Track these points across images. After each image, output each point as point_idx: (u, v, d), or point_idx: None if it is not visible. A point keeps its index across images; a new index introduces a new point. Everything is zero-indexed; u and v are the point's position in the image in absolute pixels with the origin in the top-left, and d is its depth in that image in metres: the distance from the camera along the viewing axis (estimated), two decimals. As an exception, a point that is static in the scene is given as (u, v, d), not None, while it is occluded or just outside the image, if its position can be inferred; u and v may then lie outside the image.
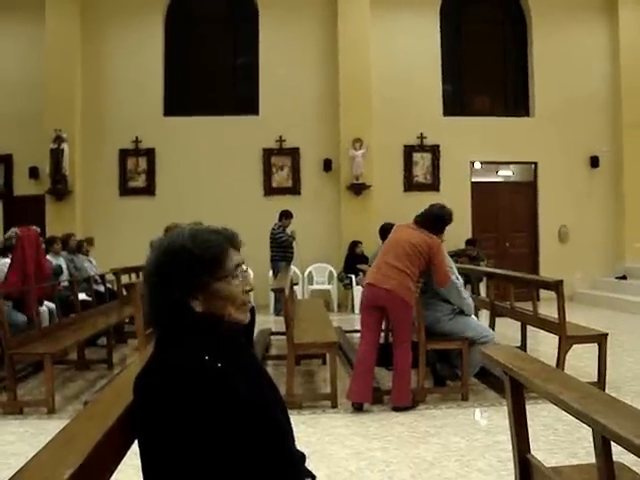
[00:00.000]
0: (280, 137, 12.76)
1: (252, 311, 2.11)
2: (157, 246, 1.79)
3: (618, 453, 1.81)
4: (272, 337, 8.62)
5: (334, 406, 5.39)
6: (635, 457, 1.55)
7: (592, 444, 2.16)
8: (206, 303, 1.76)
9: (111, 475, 1.62)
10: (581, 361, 6.62)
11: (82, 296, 8.23)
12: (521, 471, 2.48)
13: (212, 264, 1.76)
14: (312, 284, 12.39)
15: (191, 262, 1.73)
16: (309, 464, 4.00)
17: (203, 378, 1.60)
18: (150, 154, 12.73)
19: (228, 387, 1.62)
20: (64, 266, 9.14)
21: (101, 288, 9.22)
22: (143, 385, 1.67)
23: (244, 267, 1.88)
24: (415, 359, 5.55)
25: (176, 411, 1.57)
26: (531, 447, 3.61)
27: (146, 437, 1.65)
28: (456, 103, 13.46)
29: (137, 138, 12.67)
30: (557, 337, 5.82)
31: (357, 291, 11.42)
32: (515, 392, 2.38)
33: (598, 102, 13.42)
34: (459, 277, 5.92)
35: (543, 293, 11.28)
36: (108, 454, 1.53)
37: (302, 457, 2.02)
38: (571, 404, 1.79)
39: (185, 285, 1.73)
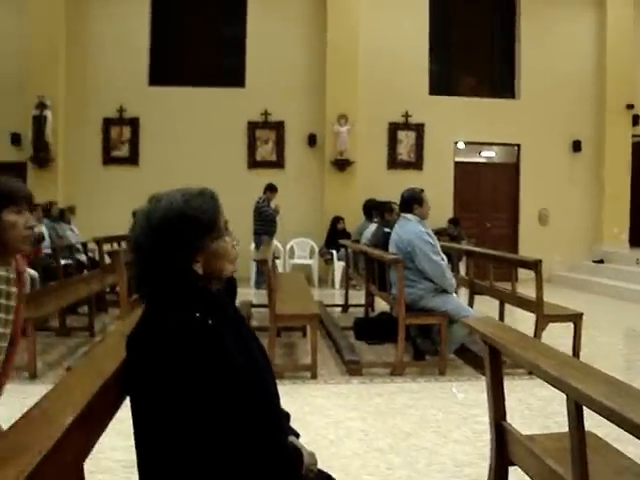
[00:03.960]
0: (265, 110, 12.72)
1: (233, 282, 2.16)
2: (147, 215, 1.80)
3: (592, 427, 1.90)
4: (253, 309, 8.66)
5: (314, 377, 5.47)
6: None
7: (564, 418, 2.25)
8: (206, 263, 1.81)
9: (106, 426, 1.67)
10: (557, 340, 6.72)
11: (64, 261, 8.22)
12: (497, 437, 2.57)
13: (209, 226, 1.82)
14: (294, 258, 12.44)
15: (191, 227, 1.78)
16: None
17: (194, 334, 1.65)
18: (134, 123, 12.64)
19: (218, 343, 1.67)
20: (46, 234, 9.11)
21: (83, 257, 9.22)
22: (135, 343, 1.73)
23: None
24: (395, 333, 5.66)
25: (167, 366, 1.62)
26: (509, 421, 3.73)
27: (138, 394, 1.70)
28: (442, 82, 13.47)
29: (121, 107, 12.56)
30: (534, 316, 5.93)
31: (338, 266, 11.51)
32: (493, 360, 2.46)
33: (583, 86, 13.51)
34: (444, 257, 6.02)
35: (522, 274, 11.42)
36: (105, 405, 1.58)
37: (287, 416, 2.09)
38: (547, 370, 1.86)
39: (188, 250, 1.78)
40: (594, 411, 1.69)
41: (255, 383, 1.75)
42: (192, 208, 1.80)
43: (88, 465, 3.59)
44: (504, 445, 2.55)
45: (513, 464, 2.54)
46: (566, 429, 2.01)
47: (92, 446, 1.53)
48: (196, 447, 1.63)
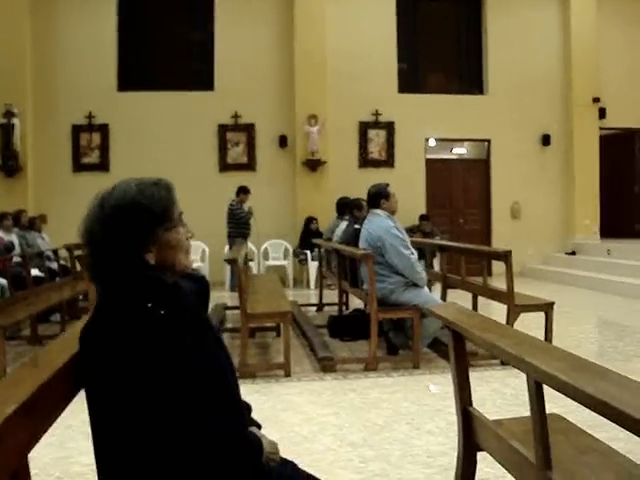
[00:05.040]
0: (235, 113, 12.69)
1: (205, 284, 2.16)
2: (101, 202, 1.79)
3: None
4: (227, 312, 8.64)
5: (287, 375, 5.45)
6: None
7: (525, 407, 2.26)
8: (159, 254, 1.80)
9: (56, 418, 1.65)
10: (530, 330, 6.75)
11: (35, 272, 8.14)
12: (463, 422, 2.57)
13: (162, 216, 1.81)
14: (268, 260, 12.41)
15: (144, 216, 1.76)
16: (261, 429, 4.06)
17: (145, 324, 1.63)
18: (104, 130, 12.54)
19: (171, 334, 1.65)
20: (16, 242, 9.02)
21: (54, 265, 9.13)
22: (88, 334, 1.71)
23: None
24: (366, 329, 5.67)
25: (118, 357, 1.60)
26: (480, 410, 3.73)
27: (91, 387, 1.68)
28: (411, 80, 13.53)
29: (90, 113, 12.46)
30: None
31: (312, 266, 11.50)
32: (458, 345, 2.46)
33: (550, 81, 13.65)
34: (414, 251, 6.03)
35: (495, 269, 11.56)
36: (53, 397, 1.56)
37: (248, 407, 2.07)
38: (506, 349, 1.86)
39: (139, 240, 1.76)
40: (552, 387, 1.69)
41: (211, 372, 1.74)
42: (145, 197, 1.78)
43: (56, 472, 3.56)
44: (471, 431, 2.55)
45: (481, 450, 2.54)
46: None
47: (38, 438, 1.51)
48: (150, 438, 1.61)
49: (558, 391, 1.66)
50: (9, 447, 1.31)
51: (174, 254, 1.83)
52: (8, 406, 1.29)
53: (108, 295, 1.75)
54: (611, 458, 2.19)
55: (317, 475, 2.07)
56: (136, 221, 1.75)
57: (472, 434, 2.54)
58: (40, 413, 1.48)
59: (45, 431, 1.54)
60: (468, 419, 2.54)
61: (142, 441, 1.62)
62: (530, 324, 6.71)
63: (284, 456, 2.13)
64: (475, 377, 5.22)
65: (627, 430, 1.39)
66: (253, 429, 1.95)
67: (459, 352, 2.48)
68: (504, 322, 5.88)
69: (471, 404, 2.58)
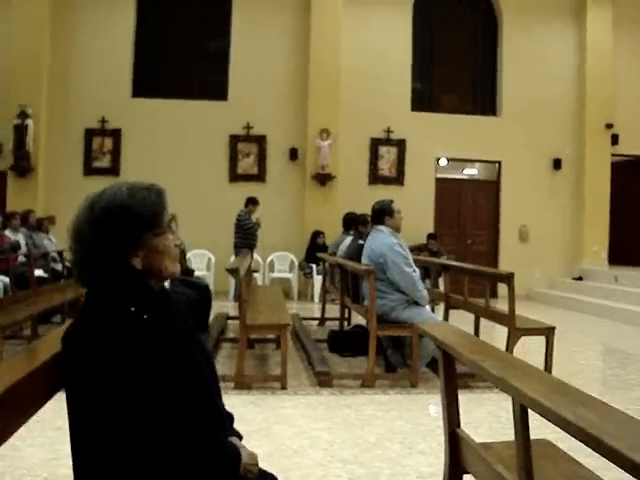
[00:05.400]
0: (247, 124, 12.74)
1: (207, 292, 2.14)
2: (91, 204, 1.79)
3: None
4: (229, 321, 8.63)
5: (283, 387, 5.42)
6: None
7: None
8: (145, 259, 1.79)
9: (31, 415, 1.64)
10: (531, 355, 6.73)
11: (39, 272, 8.16)
12: (450, 444, 2.54)
13: (151, 221, 1.80)
14: (273, 272, 12.40)
15: (133, 220, 1.76)
16: (250, 441, 4.04)
17: (127, 328, 1.63)
18: (116, 135, 12.62)
19: (152, 339, 1.65)
20: (22, 242, 9.06)
21: (59, 266, 9.15)
22: (70, 335, 1.71)
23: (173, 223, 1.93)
24: (365, 345, 5.64)
25: (99, 360, 1.60)
26: (475, 433, 3.69)
27: (71, 387, 1.67)
28: (424, 99, 13.57)
29: (104, 118, 12.54)
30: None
31: (317, 280, 11.48)
32: (447, 366, 2.44)
33: (563, 105, 13.64)
34: (416, 269, 6.01)
35: (501, 291, 11.49)
36: (30, 394, 1.56)
37: (230, 417, 2.05)
38: (491, 371, 1.84)
39: (126, 244, 1.76)
40: (534, 411, 1.67)
41: (192, 380, 1.73)
42: (135, 201, 1.78)
43: (44, 472, 3.54)
44: (458, 453, 2.52)
45: (467, 472, 2.51)
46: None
47: (11, 433, 1.50)
48: (126, 443, 1.60)
49: (541, 415, 1.64)
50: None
51: (161, 260, 1.83)
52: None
53: (93, 297, 1.76)
54: (596, 487, 2.16)
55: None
56: (125, 225, 1.75)
57: (459, 456, 2.50)
58: (10, 412, 1.46)
59: (15, 430, 1.53)
60: (455, 441, 2.50)
61: (118, 446, 1.61)
62: (531, 348, 6.68)
63: (273, 469, 2.12)
64: (472, 399, 5.22)
65: (606, 458, 1.36)
66: (233, 439, 1.93)
67: (449, 373, 2.45)
68: (504, 345, 5.86)
69: (459, 425, 2.55)
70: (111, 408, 1.59)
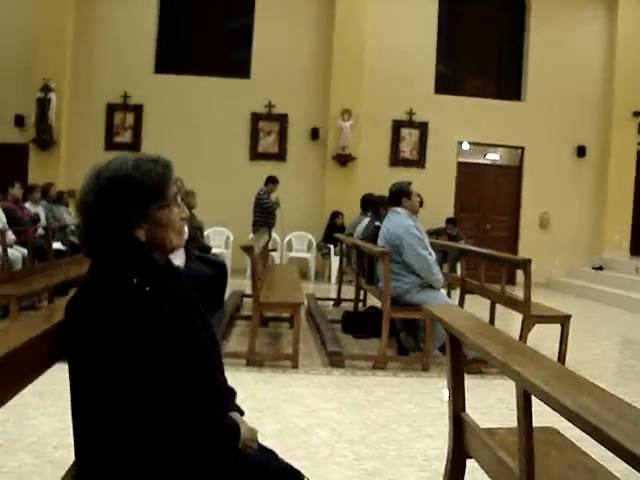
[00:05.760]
0: (269, 102, 12.69)
1: (224, 269, 2.13)
2: (97, 173, 1.79)
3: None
4: (245, 299, 8.64)
5: (295, 367, 5.43)
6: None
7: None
8: (149, 231, 1.79)
9: (29, 382, 1.65)
10: (546, 343, 6.68)
11: (57, 245, 8.22)
12: (454, 429, 2.52)
13: (156, 193, 1.79)
14: (291, 252, 12.41)
15: (137, 191, 1.75)
16: (260, 418, 4.05)
17: (129, 300, 1.63)
18: (138, 110, 12.64)
19: (154, 310, 1.64)
20: (42, 215, 9.13)
21: (77, 240, 9.20)
22: (73, 305, 1.72)
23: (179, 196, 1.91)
24: (379, 327, 5.62)
25: (100, 328, 1.60)
26: (484, 419, 3.66)
27: (74, 356, 1.68)
28: (448, 82, 13.42)
29: (126, 93, 12.56)
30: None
31: (335, 261, 11.46)
32: (454, 349, 2.41)
33: (590, 92, 13.42)
34: (432, 252, 5.97)
35: (519, 277, 11.40)
36: (28, 362, 1.56)
37: (232, 393, 2.05)
38: (494, 355, 1.82)
39: (130, 215, 1.75)
40: (535, 396, 1.64)
41: (192, 352, 1.72)
42: (141, 173, 1.77)
43: (53, 441, 3.58)
44: (462, 437, 2.50)
45: (470, 457, 2.49)
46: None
47: (8, 398, 1.50)
48: (124, 415, 1.61)
49: (541, 401, 1.61)
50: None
51: (165, 233, 1.82)
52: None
53: (96, 267, 1.76)
54: (600, 476, 2.13)
55: (309, 469, 2.05)
56: (129, 195, 1.75)
57: (462, 440, 2.49)
58: (7, 379, 1.47)
59: (11, 397, 1.53)
60: (460, 424, 2.49)
61: (116, 416, 1.62)
62: (546, 336, 6.62)
63: (280, 447, 2.12)
64: (482, 385, 5.20)
65: (606, 449, 1.34)
66: (234, 414, 1.93)
67: (455, 356, 2.43)
68: (519, 332, 5.82)
69: (464, 410, 2.53)
70: (110, 377, 1.60)
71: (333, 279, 11.61)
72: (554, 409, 1.50)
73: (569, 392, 1.48)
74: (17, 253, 7.39)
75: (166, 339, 1.64)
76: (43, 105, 11.87)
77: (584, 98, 13.36)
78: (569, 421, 1.45)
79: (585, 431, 1.38)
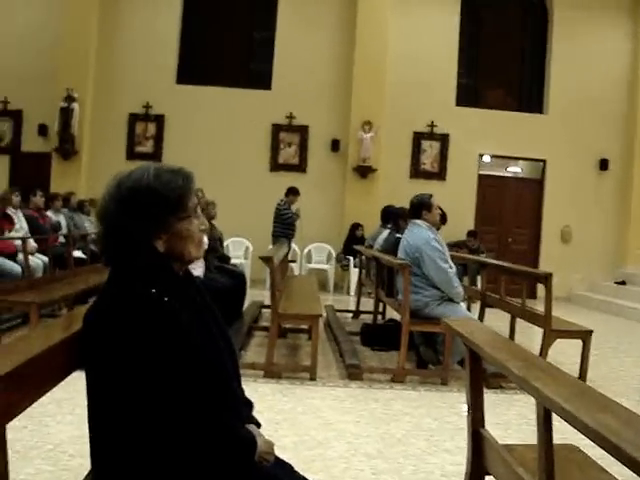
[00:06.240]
0: (290, 114, 12.74)
1: (243, 280, 2.13)
2: (118, 183, 1.79)
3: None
4: (264, 310, 8.64)
5: (312, 378, 5.41)
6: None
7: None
8: (168, 242, 1.78)
9: (45, 392, 1.64)
10: (567, 358, 6.61)
11: (77, 253, 8.27)
12: (473, 444, 2.49)
13: (176, 204, 1.79)
14: (310, 263, 12.41)
15: (157, 202, 1.75)
16: (278, 430, 4.03)
17: (148, 310, 1.63)
18: (160, 120, 12.75)
19: (172, 321, 1.64)
20: (63, 223, 9.20)
21: (97, 248, 9.26)
22: (92, 315, 1.72)
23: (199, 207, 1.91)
24: (398, 340, 5.59)
25: (119, 339, 1.60)
26: (504, 434, 3.62)
27: (91, 366, 1.68)
28: (470, 94, 13.40)
29: (148, 103, 12.67)
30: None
31: (354, 273, 11.43)
32: (474, 363, 2.38)
33: (613, 105, 13.32)
34: (452, 265, 5.92)
35: (540, 291, 11.28)
36: (45, 371, 1.56)
37: (249, 404, 2.03)
38: (513, 370, 1.79)
39: (150, 225, 1.75)
40: (556, 413, 1.61)
41: (209, 362, 1.72)
42: (162, 184, 1.77)
43: (70, 449, 3.58)
44: (481, 453, 2.47)
45: (489, 473, 2.46)
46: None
47: (24, 408, 1.50)
48: (140, 425, 1.61)
49: (561, 418, 1.58)
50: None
51: (184, 244, 1.82)
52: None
53: (115, 277, 1.76)
54: (621, 495, 2.09)
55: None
56: (149, 206, 1.75)
57: (481, 456, 2.45)
58: (24, 387, 1.46)
59: (28, 405, 1.53)
60: (478, 440, 2.45)
61: (132, 425, 1.62)
62: (566, 350, 6.55)
63: (296, 459, 2.10)
64: (502, 400, 5.15)
65: (626, 467, 1.31)
66: (250, 426, 1.91)
67: (475, 371, 2.40)
68: (539, 346, 5.76)
69: (483, 426, 2.49)
70: (127, 386, 1.60)
71: (352, 291, 11.57)
72: (574, 427, 1.48)
73: (590, 410, 1.45)
74: (38, 261, 7.44)
75: (183, 350, 1.63)
76: (66, 115, 12.02)
77: (606, 111, 13.26)
78: (589, 439, 1.43)
79: (606, 449, 1.35)
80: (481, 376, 2.45)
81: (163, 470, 1.64)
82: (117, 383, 1.60)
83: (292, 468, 1.99)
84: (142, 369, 1.58)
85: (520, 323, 6.85)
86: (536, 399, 1.76)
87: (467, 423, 2.56)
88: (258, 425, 2.01)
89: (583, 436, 1.46)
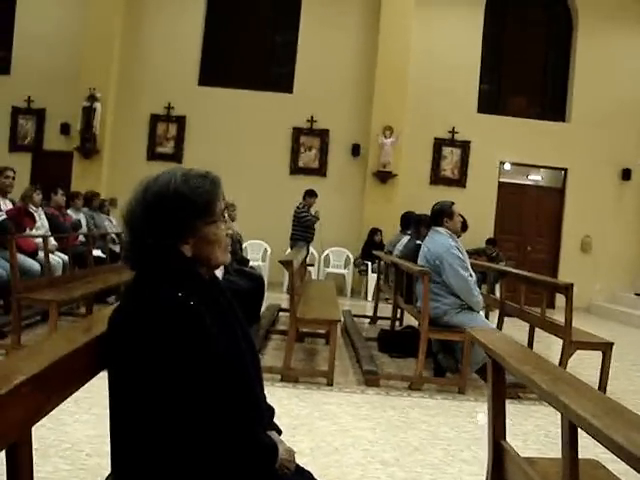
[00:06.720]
0: (311, 117, 12.75)
1: (261, 283, 2.12)
2: (145, 187, 1.79)
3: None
4: (281, 313, 8.64)
5: (329, 384, 5.38)
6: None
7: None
8: (195, 247, 1.78)
9: (70, 394, 1.64)
10: (586, 370, 6.54)
11: (97, 253, 8.30)
12: (494, 457, 2.46)
13: (204, 209, 1.78)
14: (328, 267, 12.39)
15: (185, 207, 1.75)
16: (295, 435, 4.02)
17: (174, 313, 1.62)
18: (181, 121, 12.81)
19: (198, 324, 1.63)
20: (83, 222, 9.24)
21: (117, 248, 9.30)
22: (117, 317, 1.72)
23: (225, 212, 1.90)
24: (416, 346, 5.56)
25: (144, 343, 1.60)
26: (522, 446, 3.57)
27: (116, 368, 1.68)
28: (492, 101, 13.34)
29: (169, 104, 12.73)
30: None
31: (372, 278, 11.41)
32: (496, 375, 2.35)
33: (637, 115, 13.20)
34: (472, 274, 5.89)
35: (559, 301, 11.20)
36: (69, 373, 1.56)
37: (270, 410, 2.02)
38: (540, 384, 1.76)
39: (177, 230, 1.75)
40: (583, 430, 1.59)
41: (233, 369, 1.71)
42: (189, 188, 1.77)
43: (87, 448, 3.59)
44: (501, 465, 2.43)
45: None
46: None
47: (45, 413, 1.49)
48: (162, 429, 1.60)
49: (590, 436, 1.55)
50: (11, 418, 1.29)
51: (211, 249, 1.81)
52: (16, 377, 1.28)
53: (141, 281, 1.75)
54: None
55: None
56: (176, 211, 1.74)
57: (502, 469, 2.42)
58: (50, 389, 1.46)
59: (54, 407, 1.52)
60: (500, 453, 2.42)
61: (155, 429, 1.61)
62: (587, 363, 6.49)
63: (312, 465, 2.08)
64: (521, 410, 5.10)
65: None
66: (272, 433, 1.90)
67: (497, 382, 2.37)
68: (558, 357, 5.70)
69: (505, 438, 2.46)
70: (151, 390, 1.59)
71: (369, 296, 11.55)
72: (602, 443, 1.45)
73: (619, 427, 1.43)
74: (58, 259, 7.47)
75: (208, 354, 1.63)
76: (88, 114, 12.09)
77: (630, 120, 13.15)
78: (618, 457, 1.40)
79: (637, 470, 1.32)
80: (504, 387, 2.42)
81: (184, 475, 1.63)
82: (141, 386, 1.60)
83: (311, 476, 1.98)
84: (166, 372, 1.58)
85: (538, 333, 6.79)
86: (562, 414, 1.73)
87: (487, 434, 2.53)
88: (279, 432, 2.00)
89: (605, 451, 1.44)
